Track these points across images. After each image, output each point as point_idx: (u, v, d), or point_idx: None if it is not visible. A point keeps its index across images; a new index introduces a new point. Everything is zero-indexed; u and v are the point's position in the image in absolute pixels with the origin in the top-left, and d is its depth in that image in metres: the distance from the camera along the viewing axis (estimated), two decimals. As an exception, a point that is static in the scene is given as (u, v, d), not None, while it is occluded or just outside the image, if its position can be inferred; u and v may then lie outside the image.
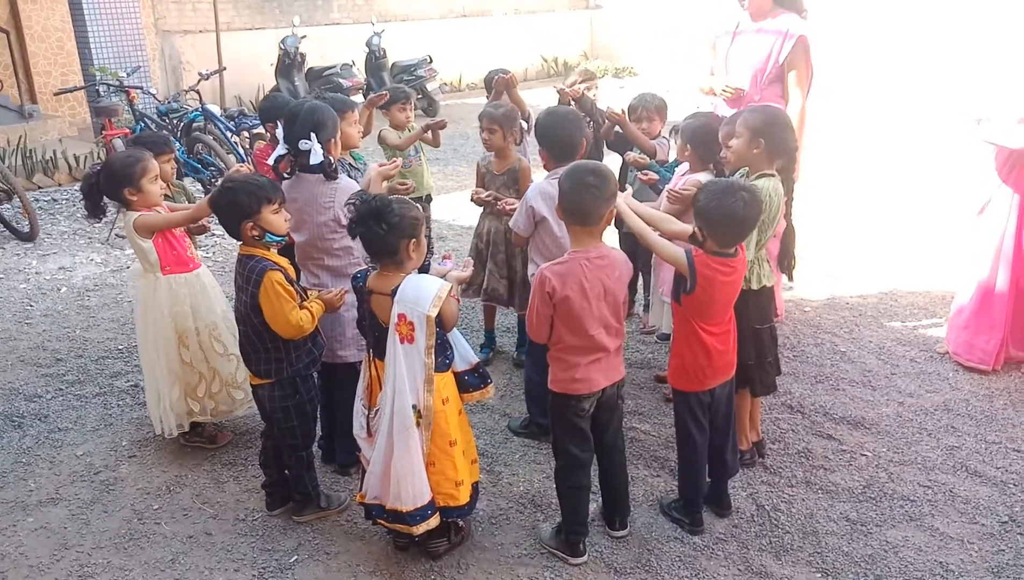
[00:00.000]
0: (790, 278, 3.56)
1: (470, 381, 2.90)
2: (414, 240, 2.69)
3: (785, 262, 3.44)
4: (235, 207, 2.84)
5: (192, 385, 3.52)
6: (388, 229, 2.62)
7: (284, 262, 2.96)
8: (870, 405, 3.93)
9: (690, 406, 2.95)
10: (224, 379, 3.58)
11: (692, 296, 2.81)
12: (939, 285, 5.29)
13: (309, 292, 3.05)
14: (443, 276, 2.81)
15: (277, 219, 2.91)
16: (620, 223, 4.48)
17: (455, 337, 2.86)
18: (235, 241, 2.98)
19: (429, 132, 4.81)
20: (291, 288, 2.87)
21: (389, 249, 2.67)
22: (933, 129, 8.98)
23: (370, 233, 2.64)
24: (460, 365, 2.87)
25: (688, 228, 2.93)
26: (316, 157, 3.11)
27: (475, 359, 2.92)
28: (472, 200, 4.11)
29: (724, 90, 4.34)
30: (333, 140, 3.22)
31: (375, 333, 2.77)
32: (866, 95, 10.55)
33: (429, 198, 5.04)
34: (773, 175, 3.13)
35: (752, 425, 3.46)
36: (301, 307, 2.88)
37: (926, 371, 4.25)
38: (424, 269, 2.82)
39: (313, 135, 3.11)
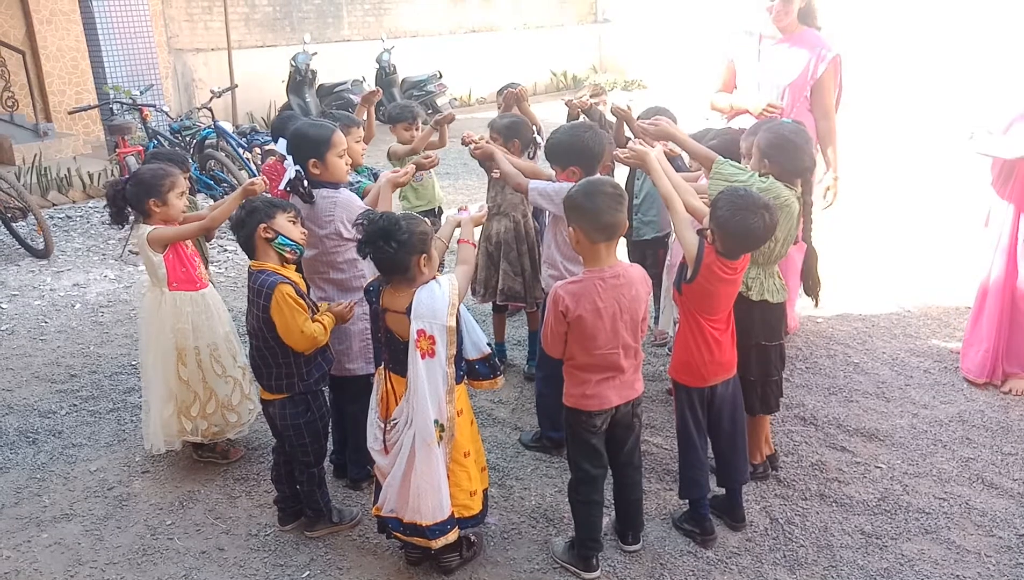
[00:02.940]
0: (816, 302, 3.44)
1: (480, 369, 2.90)
2: (424, 255, 2.68)
3: (809, 284, 3.40)
4: (252, 213, 2.90)
5: (187, 403, 3.50)
6: (398, 247, 2.62)
7: (296, 277, 2.98)
8: (884, 417, 3.90)
9: (691, 401, 2.97)
10: (220, 401, 3.55)
11: (693, 285, 2.84)
12: (952, 296, 5.25)
13: (319, 305, 3.07)
14: (459, 224, 2.87)
15: (292, 227, 2.95)
16: (628, 232, 4.53)
17: (468, 323, 2.83)
18: (248, 259, 3.00)
19: (436, 133, 4.85)
20: (302, 301, 2.88)
21: (401, 266, 2.66)
22: (944, 139, 8.93)
23: (380, 253, 2.64)
24: (472, 353, 2.86)
25: (705, 209, 2.93)
26: (284, 178, 3.11)
27: (487, 349, 2.91)
28: (463, 141, 4.01)
29: (768, 109, 4.08)
30: (315, 161, 3.15)
31: (391, 347, 2.77)
32: (878, 106, 10.53)
33: (440, 211, 5.07)
34: (792, 188, 3.12)
35: (765, 439, 3.44)
36: (313, 320, 2.90)
37: (940, 382, 4.22)
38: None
39: (290, 157, 3.13)
